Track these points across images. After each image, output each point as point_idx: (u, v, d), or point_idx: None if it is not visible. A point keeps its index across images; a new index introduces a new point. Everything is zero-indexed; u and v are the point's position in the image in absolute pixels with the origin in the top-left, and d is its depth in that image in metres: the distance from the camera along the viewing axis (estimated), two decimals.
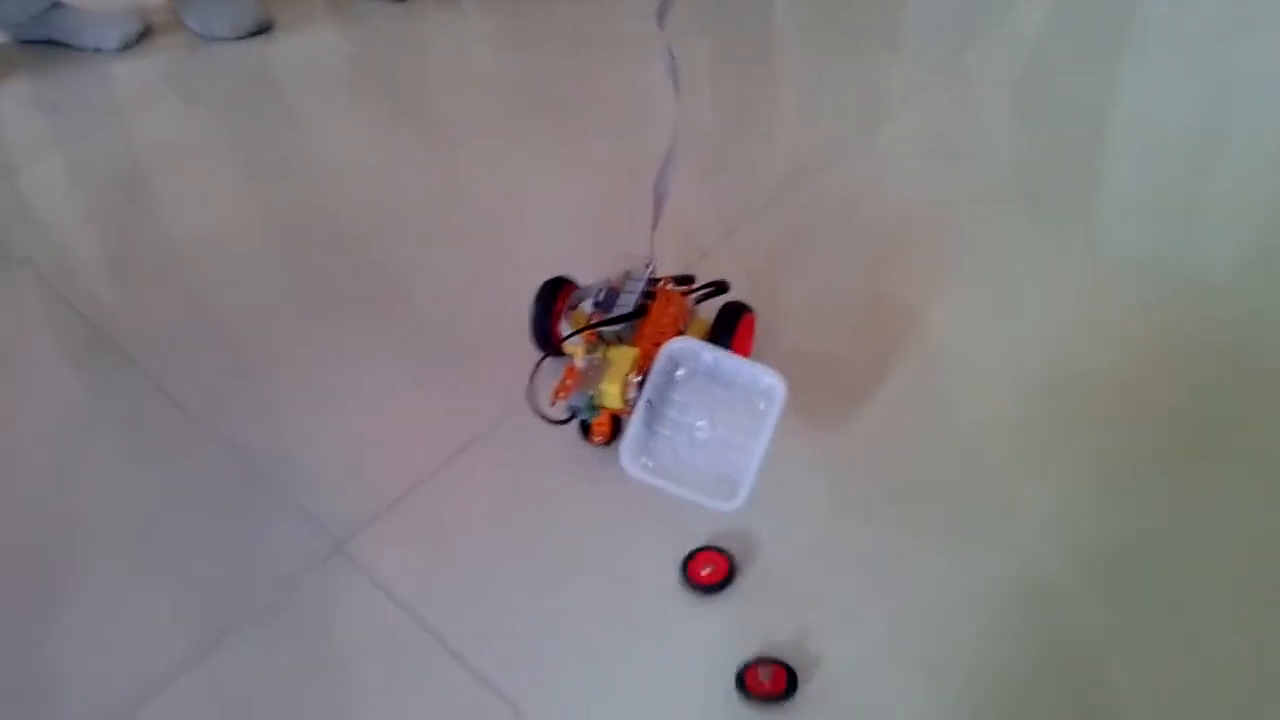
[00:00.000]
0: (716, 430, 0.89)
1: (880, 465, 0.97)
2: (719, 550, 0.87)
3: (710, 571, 0.86)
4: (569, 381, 0.93)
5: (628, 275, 1.01)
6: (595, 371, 0.91)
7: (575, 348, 0.94)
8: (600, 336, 0.95)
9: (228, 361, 1.15)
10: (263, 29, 1.74)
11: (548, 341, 1.05)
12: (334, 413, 1.07)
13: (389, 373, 1.11)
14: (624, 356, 0.92)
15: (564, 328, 1.00)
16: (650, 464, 0.88)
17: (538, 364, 0.96)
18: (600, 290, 1.00)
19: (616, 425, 0.96)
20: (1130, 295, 1.13)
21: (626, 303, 0.97)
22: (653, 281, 1.01)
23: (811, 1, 1.78)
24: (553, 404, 0.92)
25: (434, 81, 1.64)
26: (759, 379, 0.89)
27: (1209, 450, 0.96)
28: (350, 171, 1.43)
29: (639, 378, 0.90)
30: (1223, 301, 1.11)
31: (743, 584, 0.87)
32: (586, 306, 1.01)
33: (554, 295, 1.05)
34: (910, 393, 1.04)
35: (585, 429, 0.97)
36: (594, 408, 0.91)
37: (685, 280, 1.03)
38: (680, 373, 0.92)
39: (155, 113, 1.59)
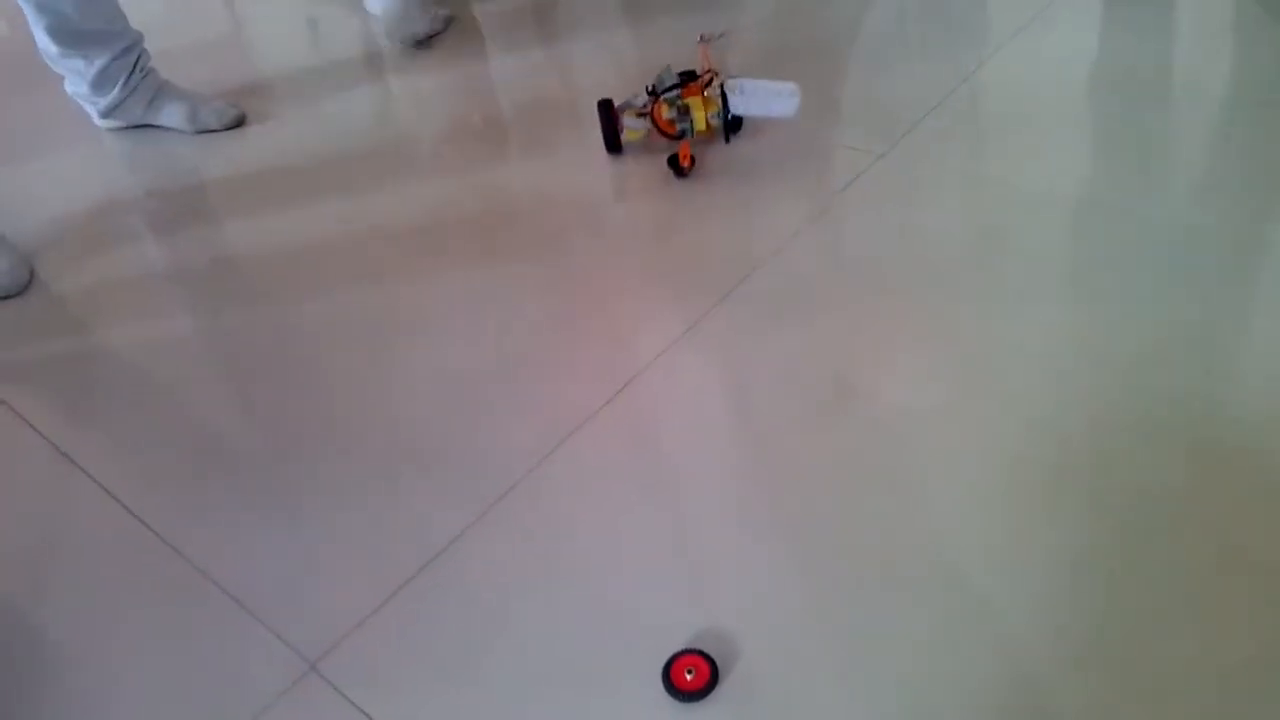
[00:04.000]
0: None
1: (852, 554, 0.97)
2: (700, 653, 0.86)
3: (693, 676, 0.85)
4: (662, 125, 1.52)
5: (659, 78, 1.54)
6: (683, 112, 1.50)
7: (647, 114, 1.54)
8: (668, 103, 1.52)
9: (193, 481, 1.13)
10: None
11: (615, 141, 1.56)
12: (301, 527, 1.06)
13: (354, 482, 1.10)
14: (697, 102, 1.50)
15: (626, 122, 1.54)
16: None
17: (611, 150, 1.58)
18: (648, 87, 1.54)
19: (691, 162, 1.50)
20: (1084, 375, 1.15)
21: (672, 81, 1.54)
22: (680, 74, 1.54)
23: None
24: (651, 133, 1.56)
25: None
26: (782, 83, 1.50)
27: (1169, 526, 0.97)
28: (305, 262, 1.44)
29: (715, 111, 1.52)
30: (1179, 378, 1.14)
31: (726, 688, 0.86)
32: (639, 100, 1.56)
33: (610, 107, 1.55)
34: (875, 476, 1.04)
35: (676, 168, 1.49)
36: (692, 130, 1.50)
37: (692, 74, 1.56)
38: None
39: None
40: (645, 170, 1.56)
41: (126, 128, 1.78)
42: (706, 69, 1.53)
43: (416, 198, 1.58)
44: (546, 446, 1.10)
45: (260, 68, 2.08)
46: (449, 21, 2.07)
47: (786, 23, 1.99)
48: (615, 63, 1.93)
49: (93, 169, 1.74)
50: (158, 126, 1.78)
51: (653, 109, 1.53)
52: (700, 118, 1.49)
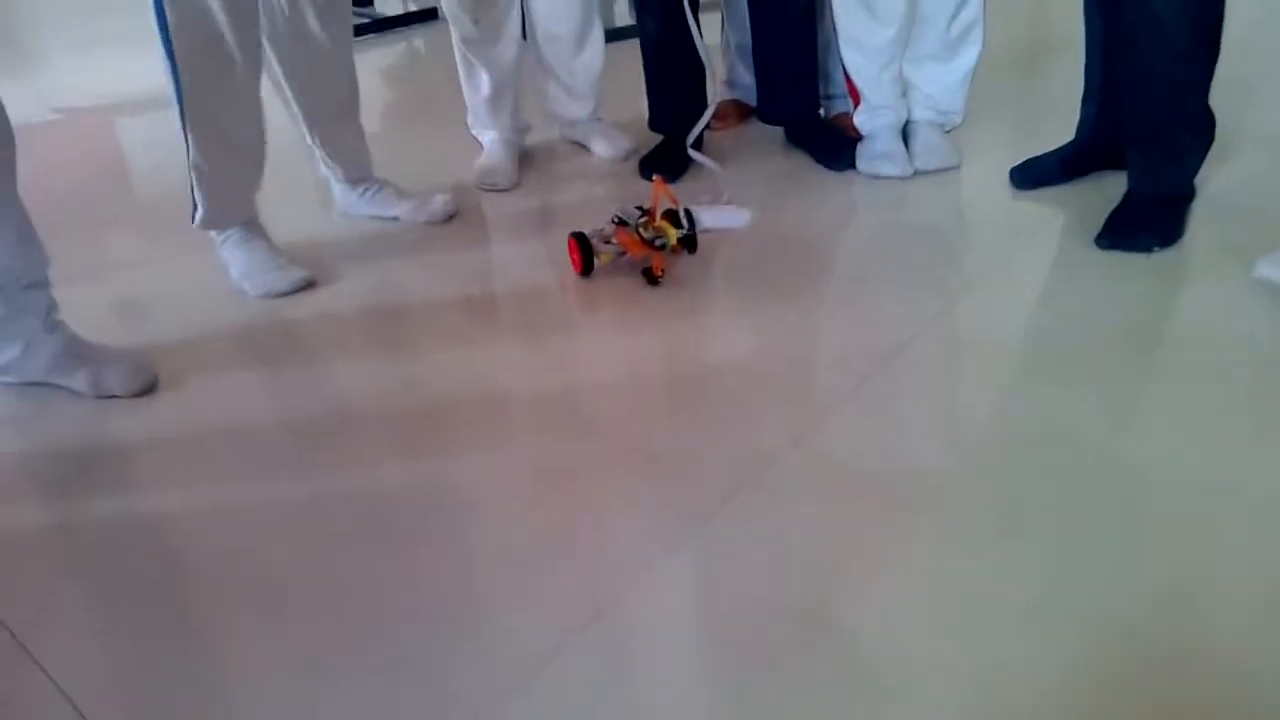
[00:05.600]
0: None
1: None
2: None
3: None
4: (633, 245, 1.84)
5: (623, 211, 1.89)
6: (657, 231, 1.87)
7: (613, 240, 1.88)
8: (635, 230, 1.87)
9: (153, 684, 1.10)
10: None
11: (590, 264, 1.87)
12: None
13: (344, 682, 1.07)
14: (665, 225, 1.88)
15: (598, 248, 1.86)
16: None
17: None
18: (613, 219, 1.88)
19: (663, 273, 1.86)
20: (1069, 636, 1.11)
21: (634, 213, 1.89)
22: (638, 209, 1.90)
23: (750, 313, 1.89)
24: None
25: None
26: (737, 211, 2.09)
27: None
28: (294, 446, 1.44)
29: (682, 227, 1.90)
30: (1157, 633, 1.10)
31: None
32: (609, 229, 1.88)
33: (584, 236, 1.85)
34: None
35: (650, 278, 1.84)
36: (667, 245, 1.86)
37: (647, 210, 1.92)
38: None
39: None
40: (618, 286, 1.90)
41: None
42: (654, 203, 1.92)
43: (399, 383, 1.61)
44: (501, 688, 1.07)
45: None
46: (450, 217, 2.16)
47: (768, 234, 2.07)
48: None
49: None
50: None
51: (619, 235, 1.86)
52: (672, 235, 1.87)
